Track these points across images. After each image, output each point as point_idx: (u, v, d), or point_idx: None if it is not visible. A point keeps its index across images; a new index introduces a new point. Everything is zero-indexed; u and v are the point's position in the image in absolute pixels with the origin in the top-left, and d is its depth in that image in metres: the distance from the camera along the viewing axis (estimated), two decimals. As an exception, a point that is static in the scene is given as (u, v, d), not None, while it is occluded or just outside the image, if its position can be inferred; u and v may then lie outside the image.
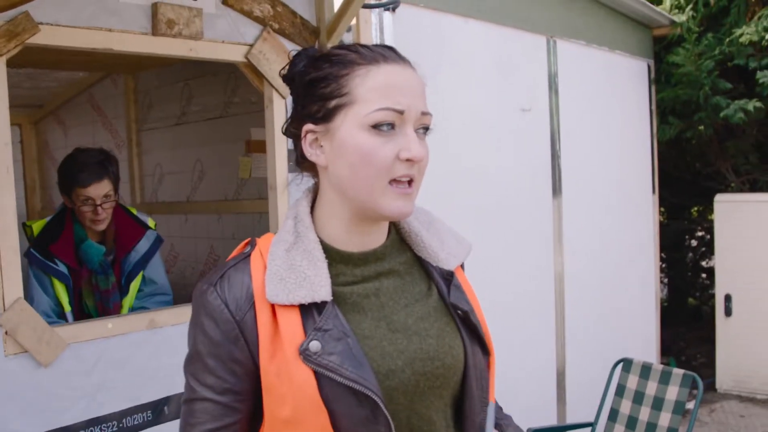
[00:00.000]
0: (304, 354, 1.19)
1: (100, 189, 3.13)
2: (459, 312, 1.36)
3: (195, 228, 4.45)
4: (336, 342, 1.21)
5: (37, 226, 3.18)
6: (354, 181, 1.24)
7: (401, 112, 1.22)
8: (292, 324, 1.22)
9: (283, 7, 3.01)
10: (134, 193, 4.71)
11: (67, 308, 3.13)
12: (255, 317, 1.23)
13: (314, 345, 1.20)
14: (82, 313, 3.24)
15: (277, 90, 2.97)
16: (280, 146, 3.01)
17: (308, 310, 1.23)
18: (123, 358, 2.59)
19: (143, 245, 3.32)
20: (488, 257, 4.29)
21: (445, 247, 1.40)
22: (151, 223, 3.43)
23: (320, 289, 1.23)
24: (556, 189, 4.98)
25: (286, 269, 1.25)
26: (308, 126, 1.29)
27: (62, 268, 3.12)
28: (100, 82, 4.93)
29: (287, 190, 3.03)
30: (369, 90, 1.23)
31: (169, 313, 2.75)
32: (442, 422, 1.31)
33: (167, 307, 2.96)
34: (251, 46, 2.90)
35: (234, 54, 2.88)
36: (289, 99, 3.00)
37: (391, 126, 1.23)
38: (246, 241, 1.37)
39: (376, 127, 1.22)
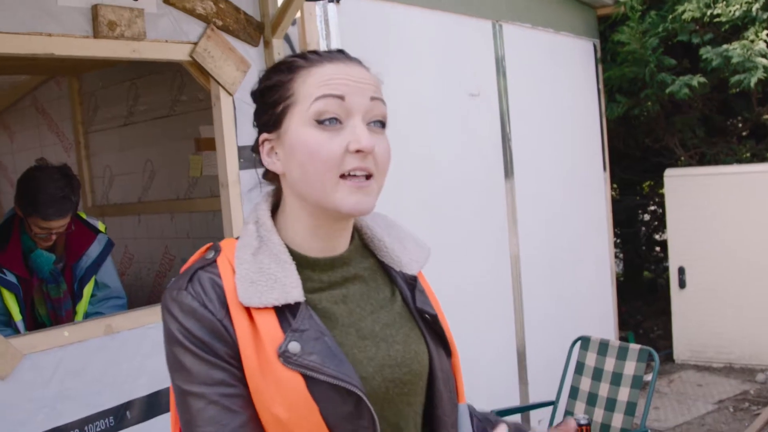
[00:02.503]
0: (284, 356, 1.17)
1: (60, 223, 3.10)
2: (427, 316, 1.35)
3: (148, 228, 4.41)
4: (314, 342, 1.19)
5: None
6: (306, 180, 1.22)
7: (341, 97, 1.21)
8: (270, 325, 1.19)
9: (226, 3, 2.99)
10: (85, 197, 4.64)
11: (17, 317, 3.09)
12: (231, 320, 1.20)
13: (293, 346, 1.17)
14: (34, 322, 3.21)
15: (223, 87, 2.96)
16: (230, 143, 2.99)
17: (282, 313, 1.21)
18: (81, 366, 2.56)
19: (94, 250, 3.28)
20: (443, 243, 4.32)
21: (407, 252, 1.39)
22: (101, 226, 3.40)
23: (292, 290, 1.21)
24: (508, 171, 5.02)
25: (256, 272, 1.22)
26: (263, 135, 1.29)
27: (11, 277, 3.07)
28: (44, 84, 4.86)
29: (239, 188, 3.02)
30: (310, 86, 1.23)
31: (126, 317, 2.73)
32: (411, 429, 1.30)
33: (123, 312, 2.94)
34: (195, 44, 2.88)
35: (178, 53, 2.85)
36: (237, 95, 3.00)
37: (338, 120, 1.21)
38: (207, 246, 1.33)
39: (321, 122, 1.21)
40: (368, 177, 1.22)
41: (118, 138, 4.51)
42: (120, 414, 2.67)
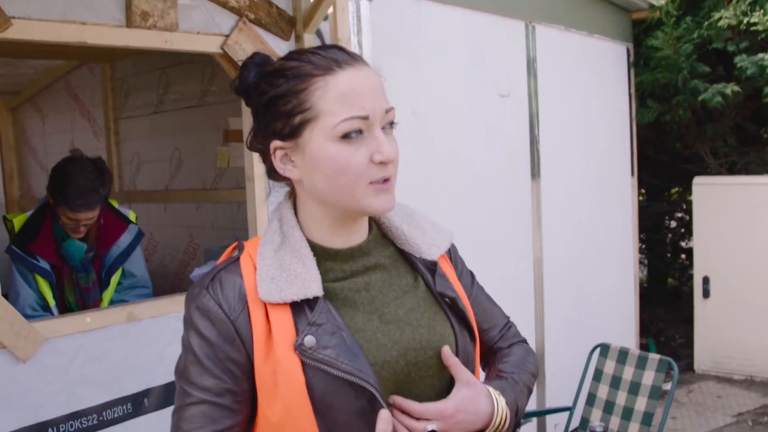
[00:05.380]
0: (300, 349, 1.21)
1: (88, 215, 3.13)
2: (446, 300, 1.38)
3: (174, 216, 4.44)
4: (330, 336, 1.23)
5: (18, 221, 3.17)
6: (333, 191, 1.26)
7: (366, 118, 1.24)
8: (283, 322, 1.24)
9: (259, -4, 3.00)
10: (113, 182, 4.68)
11: (52, 302, 3.15)
12: (249, 317, 1.25)
13: (309, 340, 1.21)
14: (64, 308, 3.25)
15: (253, 81, 2.96)
16: (258, 137, 3.00)
17: (300, 308, 1.25)
18: (102, 352, 2.59)
19: (125, 240, 3.32)
20: (467, 242, 4.30)
21: (426, 238, 1.42)
22: (132, 216, 3.43)
23: (311, 285, 1.25)
24: (535, 173, 5.00)
25: (276, 269, 1.26)
26: (276, 143, 1.30)
27: (44, 264, 3.12)
28: (77, 69, 4.90)
29: (265, 181, 3.02)
30: (331, 102, 1.23)
31: (148, 305, 2.76)
32: None
33: (145, 300, 2.97)
34: (227, 36, 2.88)
35: (210, 45, 2.86)
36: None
37: (359, 132, 1.24)
38: (233, 245, 1.39)
39: (345, 137, 1.23)
40: (386, 179, 1.27)
41: (147, 125, 4.54)
42: (138, 401, 2.70)
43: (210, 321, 1.25)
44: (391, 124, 1.29)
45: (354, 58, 1.28)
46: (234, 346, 1.24)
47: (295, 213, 1.36)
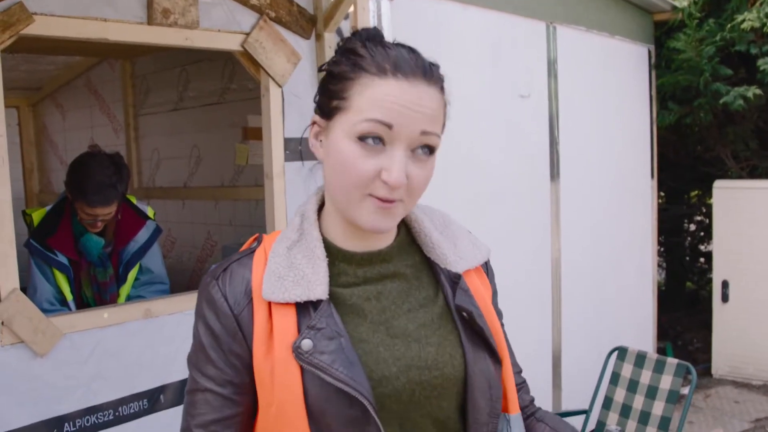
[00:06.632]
0: (296, 352, 1.18)
1: (105, 210, 3.14)
2: (464, 314, 1.29)
3: (192, 213, 4.45)
4: (328, 341, 1.19)
5: (36, 216, 3.19)
6: (334, 186, 1.23)
7: (389, 126, 1.16)
8: (286, 322, 1.21)
9: (279, -6, 3.00)
10: (132, 178, 4.71)
11: (69, 297, 3.16)
12: (252, 313, 1.23)
13: (306, 343, 1.18)
14: (81, 303, 3.26)
15: (273, 79, 2.97)
16: (277, 135, 3.00)
17: (305, 309, 1.21)
18: (119, 348, 2.60)
19: (142, 236, 3.33)
20: (485, 242, 4.28)
21: (456, 250, 1.36)
22: (150, 212, 3.44)
23: (316, 287, 1.21)
24: (554, 174, 4.97)
25: (285, 267, 1.23)
26: (315, 116, 1.28)
27: (62, 258, 3.14)
28: (98, 65, 4.92)
29: (283, 179, 3.03)
30: (365, 100, 1.18)
31: (165, 302, 2.76)
32: None
33: (163, 297, 2.97)
34: (247, 34, 2.89)
35: (230, 43, 2.86)
36: (285, 88, 3.01)
37: (380, 141, 1.17)
38: (255, 236, 1.36)
39: (363, 139, 1.17)
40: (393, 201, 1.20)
41: (167, 122, 4.56)
42: (154, 397, 2.71)
43: (215, 313, 1.24)
44: (430, 150, 1.23)
45: (416, 75, 1.20)
46: (236, 341, 1.23)
47: (321, 210, 1.33)
